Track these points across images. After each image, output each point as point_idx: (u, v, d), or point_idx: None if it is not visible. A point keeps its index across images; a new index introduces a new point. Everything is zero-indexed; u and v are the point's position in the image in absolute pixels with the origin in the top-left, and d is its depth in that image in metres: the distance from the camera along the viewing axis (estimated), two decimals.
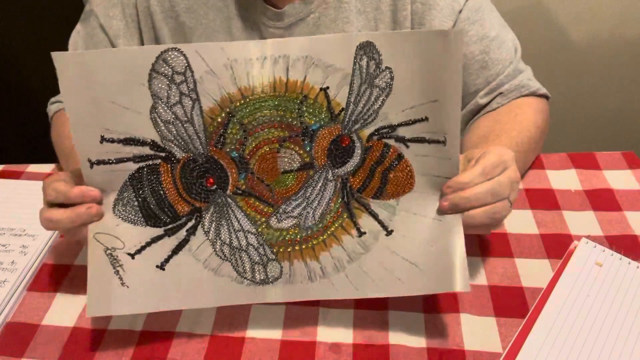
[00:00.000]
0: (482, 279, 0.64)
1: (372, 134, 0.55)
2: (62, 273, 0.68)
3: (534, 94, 0.78)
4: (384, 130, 0.55)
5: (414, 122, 0.54)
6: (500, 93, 0.76)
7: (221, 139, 0.54)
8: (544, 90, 0.79)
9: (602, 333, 0.57)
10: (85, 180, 0.54)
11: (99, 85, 0.51)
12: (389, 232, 0.57)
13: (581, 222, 0.71)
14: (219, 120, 0.54)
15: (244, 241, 0.57)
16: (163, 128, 0.53)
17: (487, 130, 0.72)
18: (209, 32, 0.76)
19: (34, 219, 0.74)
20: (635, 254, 0.66)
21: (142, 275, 0.56)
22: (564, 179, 0.79)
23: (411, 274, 0.56)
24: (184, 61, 0.51)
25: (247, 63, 0.52)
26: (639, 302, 0.60)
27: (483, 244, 0.69)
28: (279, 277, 0.57)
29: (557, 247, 0.68)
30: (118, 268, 0.56)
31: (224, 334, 0.60)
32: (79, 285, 0.66)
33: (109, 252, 0.55)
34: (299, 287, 0.57)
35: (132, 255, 0.56)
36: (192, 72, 0.52)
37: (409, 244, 0.56)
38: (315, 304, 0.62)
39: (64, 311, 0.63)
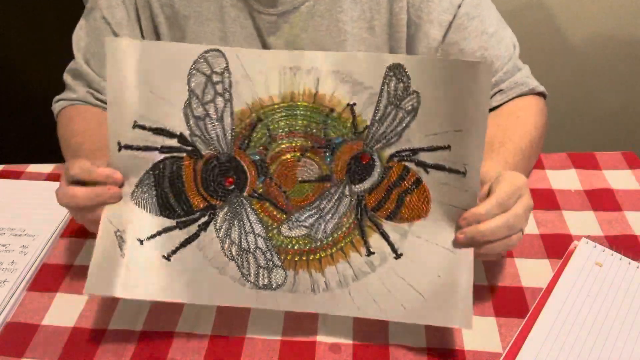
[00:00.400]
0: (482, 279, 0.64)
1: (392, 155, 0.55)
2: (62, 273, 0.68)
3: (532, 92, 0.78)
4: (405, 153, 0.55)
5: (436, 149, 0.54)
6: (500, 90, 0.76)
7: (246, 141, 0.56)
8: (541, 89, 0.79)
9: (602, 333, 0.57)
10: (110, 162, 0.56)
11: (141, 73, 0.54)
12: (398, 256, 0.56)
13: (581, 222, 0.71)
14: (247, 122, 0.55)
15: (253, 244, 0.57)
16: (193, 123, 0.55)
17: (490, 137, 0.71)
18: (202, 19, 0.76)
19: (34, 219, 0.75)
20: (635, 254, 0.66)
21: (147, 263, 0.56)
22: (564, 179, 0.79)
23: (414, 301, 0.55)
24: (224, 63, 0.54)
25: (281, 71, 0.54)
26: (639, 302, 0.60)
27: None
28: (282, 285, 0.57)
29: (557, 247, 0.68)
30: (125, 251, 0.56)
31: (224, 334, 0.60)
32: (79, 285, 0.66)
33: (119, 234, 0.56)
34: (301, 297, 0.57)
35: (142, 242, 0.56)
36: (229, 73, 0.54)
37: (417, 270, 0.56)
38: None
39: (64, 311, 0.63)
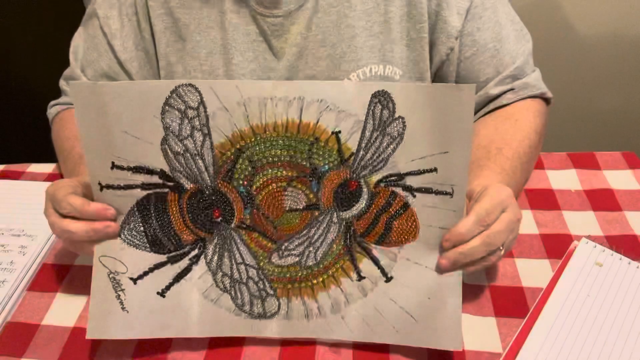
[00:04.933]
0: (482, 279, 0.64)
1: (379, 181, 0.55)
2: (62, 273, 0.68)
3: (541, 97, 0.78)
4: (392, 178, 0.55)
5: (423, 172, 0.54)
6: (512, 89, 0.75)
7: (229, 174, 0.55)
8: (550, 95, 0.78)
9: (602, 333, 0.57)
10: (95, 201, 0.55)
11: (112, 115, 0.52)
12: (389, 279, 0.56)
13: (581, 222, 0.71)
14: (229, 155, 0.54)
15: (245, 274, 0.57)
16: (173, 159, 0.54)
17: (487, 141, 0.70)
18: (203, 27, 0.75)
19: (33, 219, 0.75)
20: (635, 254, 0.66)
21: (143, 301, 0.56)
22: (564, 179, 0.79)
23: (406, 324, 0.56)
24: (198, 97, 0.52)
25: (261, 102, 0.53)
26: (639, 302, 0.60)
27: None
28: (276, 313, 0.58)
29: (557, 247, 0.68)
30: (119, 292, 0.56)
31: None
32: (79, 285, 0.66)
33: (112, 275, 0.56)
34: (296, 324, 0.58)
35: (135, 280, 0.56)
36: (205, 107, 0.53)
37: (407, 293, 0.56)
38: None
39: (64, 311, 0.63)
